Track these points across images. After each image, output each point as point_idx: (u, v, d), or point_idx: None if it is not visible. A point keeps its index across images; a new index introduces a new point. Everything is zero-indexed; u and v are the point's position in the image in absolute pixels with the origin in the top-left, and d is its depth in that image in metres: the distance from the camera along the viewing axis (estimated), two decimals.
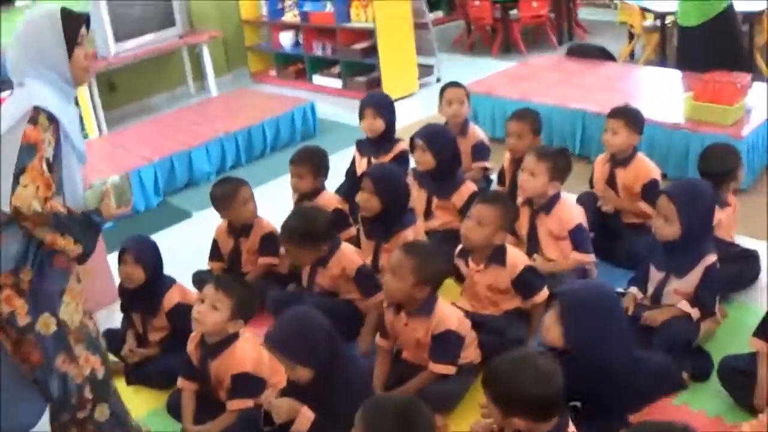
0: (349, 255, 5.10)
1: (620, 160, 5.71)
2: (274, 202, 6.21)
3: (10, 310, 3.68)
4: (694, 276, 4.57)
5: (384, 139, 6.50)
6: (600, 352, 3.80)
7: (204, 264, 5.86)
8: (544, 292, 4.76)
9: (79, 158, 3.88)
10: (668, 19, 9.39)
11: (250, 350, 4.37)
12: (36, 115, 3.61)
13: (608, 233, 5.67)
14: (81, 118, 4.04)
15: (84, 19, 3.92)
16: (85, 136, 8.97)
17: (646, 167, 5.67)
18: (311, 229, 4.93)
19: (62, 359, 3.85)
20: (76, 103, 3.98)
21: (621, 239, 5.65)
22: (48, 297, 3.75)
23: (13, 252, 3.64)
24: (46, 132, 3.62)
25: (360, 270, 5.07)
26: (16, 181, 3.52)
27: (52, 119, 3.65)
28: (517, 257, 4.88)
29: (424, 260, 4.34)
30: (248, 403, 4.25)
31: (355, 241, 5.72)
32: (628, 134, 5.61)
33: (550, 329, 3.92)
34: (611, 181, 5.77)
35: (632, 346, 4.04)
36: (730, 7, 7.59)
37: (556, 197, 5.25)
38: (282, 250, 5.40)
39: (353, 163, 6.76)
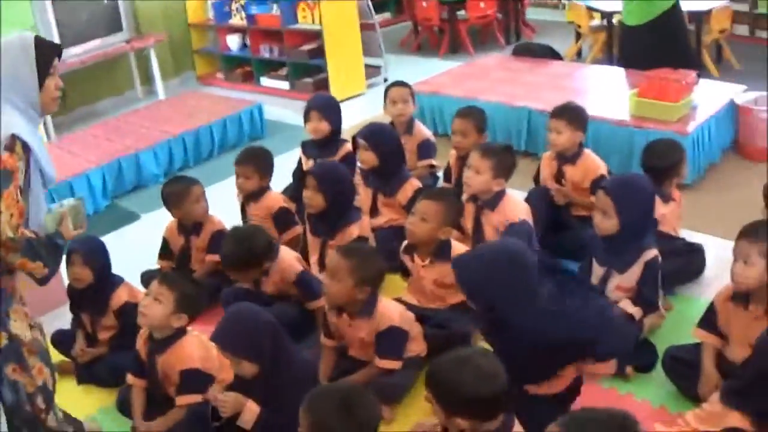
0: (289, 261, 5.11)
1: (568, 157, 5.77)
2: (222, 202, 6.23)
3: None
4: (635, 271, 4.61)
5: (330, 141, 6.54)
6: (500, 305, 3.81)
7: (152, 265, 5.88)
8: None
9: (49, 181, 3.91)
10: (615, 19, 9.48)
11: (198, 346, 4.39)
12: (12, 143, 3.63)
13: (557, 226, 5.74)
14: None
15: (57, 49, 3.95)
16: None
17: (594, 164, 5.74)
18: (252, 250, 4.93)
19: (12, 368, 3.85)
20: None
21: (569, 231, 5.72)
22: None
23: None
24: (20, 161, 3.66)
25: (300, 276, 5.09)
26: None
27: (27, 148, 3.69)
28: (462, 252, 4.90)
29: (362, 261, 4.38)
30: (197, 398, 4.26)
31: (302, 240, 5.78)
32: (572, 132, 5.68)
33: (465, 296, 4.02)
34: (559, 178, 5.83)
35: (542, 298, 3.95)
36: (676, 5, 7.69)
37: (501, 194, 5.29)
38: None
39: (300, 164, 6.79)
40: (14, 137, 3.64)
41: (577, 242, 5.39)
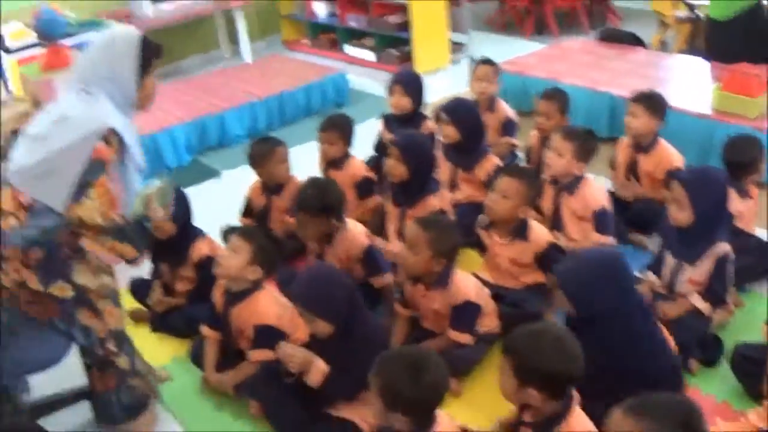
0: (355, 233, 5.09)
1: (643, 146, 5.76)
2: (301, 167, 6.22)
3: (21, 279, 3.79)
4: (706, 265, 4.59)
5: (411, 117, 6.56)
6: (612, 313, 3.83)
7: (230, 221, 5.95)
8: None
9: (138, 169, 4.03)
10: (700, 11, 9.41)
11: (273, 302, 4.48)
12: (110, 136, 3.75)
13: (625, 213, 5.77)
14: None
15: (159, 51, 4.06)
16: None
17: (669, 155, 5.70)
18: (326, 199, 4.94)
19: (84, 314, 3.97)
20: None
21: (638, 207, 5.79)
22: (57, 269, 3.85)
23: (28, 236, 3.74)
24: (115, 153, 3.78)
25: (367, 250, 5.07)
26: (82, 193, 3.67)
27: (121, 142, 3.82)
28: (540, 232, 4.96)
29: (440, 234, 4.41)
30: (269, 354, 4.30)
31: (381, 211, 5.83)
32: (648, 118, 5.66)
33: (560, 300, 4.00)
34: (633, 167, 5.83)
35: (643, 309, 4.01)
36: (760, 2, 7.63)
37: (581, 178, 5.32)
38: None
39: (381, 136, 6.83)
40: (111, 130, 3.76)
41: (649, 211, 5.52)
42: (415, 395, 3.18)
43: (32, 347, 4.01)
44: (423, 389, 3.19)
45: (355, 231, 5.10)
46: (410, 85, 6.59)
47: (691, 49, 9.69)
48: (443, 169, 6.02)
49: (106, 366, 4.13)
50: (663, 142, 5.78)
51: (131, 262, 3.97)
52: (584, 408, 3.47)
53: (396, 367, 3.22)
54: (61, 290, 3.86)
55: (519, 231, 4.92)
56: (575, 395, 3.45)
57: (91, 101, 3.82)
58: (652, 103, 5.70)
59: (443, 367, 3.28)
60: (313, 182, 5.14)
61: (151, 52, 3.99)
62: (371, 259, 5.07)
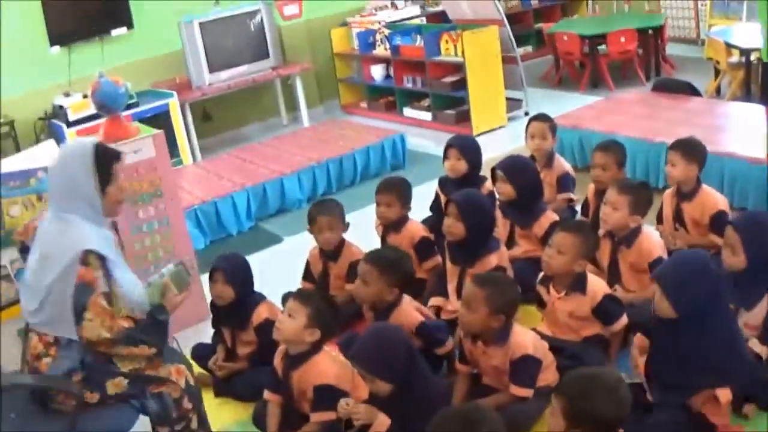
0: (409, 313, 5.00)
1: (685, 193, 5.74)
2: (361, 229, 6.28)
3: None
4: (761, 309, 4.55)
5: (467, 180, 6.47)
6: (707, 309, 4.01)
7: (293, 287, 5.84)
8: (624, 320, 4.86)
9: (126, 268, 4.12)
10: (753, 56, 9.37)
11: (332, 363, 4.49)
12: (86, 257, 3.86)
13: None
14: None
15: (117, 155, 4.13)
16: (179, 163, 9.27)
17: (712, 199, 5.68)
18: (399, 261, 4.97)
19: (153, 386, 4.05)
20: None
21: None
22: (102, 373, 3.97)
23: (64, 368, 3.89)
24: (97, 270, 3.88)
25: (421, 327, 4.97)
26: (80, 318, 3.81)
27: (100, 257, 3.91)
28: (597, 285, 4.94)
29: (496, 290, 4.42)
30: (331, 415, 4.32)
31: (440, 270, 5.80)
32: (686, 165, 5.64)
33: (659, 304, 4.07)
34: (679, 216, 5.80)
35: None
36: None
37: (638, 230, 5.30)
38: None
39: (437, 198, 6.82)
40: (87, 252, 3.84)
41: None
42: None
43: (100, 419, 4.04)
44: None
45: (408, 309, 5.04)
46: (465, 148, 6.55)
47: (746, 94, 9.65)
48: (501, 226, 6.01)
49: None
50: (705, 187, 5.76)
51: (153, 358, 4.06)
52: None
53: (452, 425, 3.24)
54: (116, 386, 3.97)
55: (576, 285, 4.89)
56: None
57: (64, 227, 3.93)
58: (688, 149, 5.69)
59: (500, 423, 3.29)
60: (389, 246, 5.30)
61: (110, 159, 4.06)
62: (427, 334, 4.99)
